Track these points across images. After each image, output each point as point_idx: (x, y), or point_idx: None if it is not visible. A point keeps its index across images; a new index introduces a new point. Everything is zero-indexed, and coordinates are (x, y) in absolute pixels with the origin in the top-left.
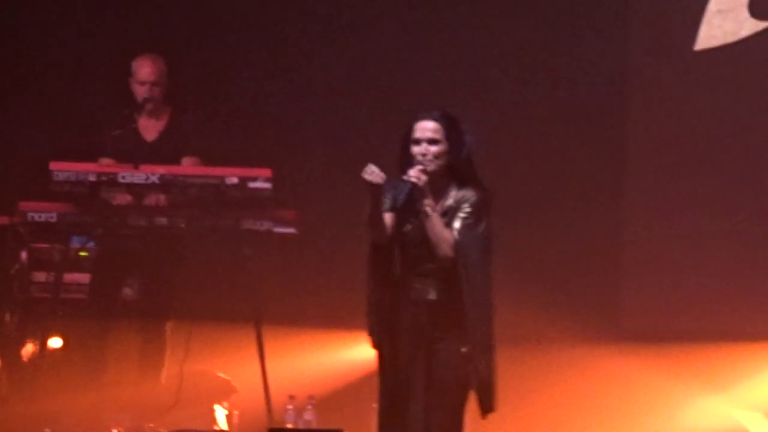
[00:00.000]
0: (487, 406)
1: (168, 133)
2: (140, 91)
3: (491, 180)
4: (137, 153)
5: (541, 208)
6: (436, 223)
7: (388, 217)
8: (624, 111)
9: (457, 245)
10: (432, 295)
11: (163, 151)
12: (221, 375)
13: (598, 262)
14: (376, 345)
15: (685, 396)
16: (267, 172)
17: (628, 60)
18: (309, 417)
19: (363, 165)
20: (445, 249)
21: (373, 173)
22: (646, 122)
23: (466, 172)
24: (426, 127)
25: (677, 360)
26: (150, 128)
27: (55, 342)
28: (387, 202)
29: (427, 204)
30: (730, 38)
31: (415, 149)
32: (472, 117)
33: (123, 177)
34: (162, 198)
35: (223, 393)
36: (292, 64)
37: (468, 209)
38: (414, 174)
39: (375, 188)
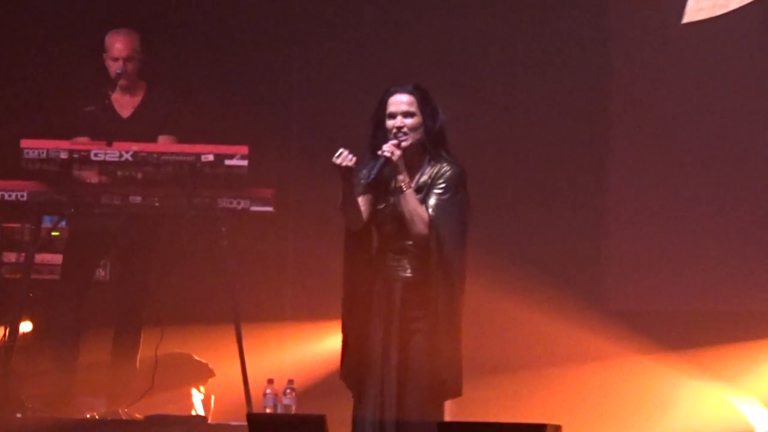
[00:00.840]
0: (453, 389)
1: (143, 109)
2: (114, 67)
3: (472, 164)
4: (112, 130)
5: (524, 191)
6: (410, 199)
7: (362, 201)
8: (607, 89)
9: (432, 222)
10: (407, 273)
11: (139, 127)
12: (198, 358)
13: (582, 242)
14: (348, 326)
15: (674, 378)
16: (243, 149)
17: (612, 34)
18: (288, 401)
19: (341, 143)
20: (420, 226)
21: (343, 156)
22: (630, 100)
23: (440, 147)
24: (400, 101)
25: (663, 341)
26: (125, 104)
27: (26, 325)
28: (362, 182)
29: (402, 180)
30: (719, 11)
31: (390, 123)
32: (451, 89)
33: (96, 155)
34: (137, 176)
35: (200, 377)
36: (270, 40)
37: (443, 185)
38: (388, 148)
39: (346, 172)
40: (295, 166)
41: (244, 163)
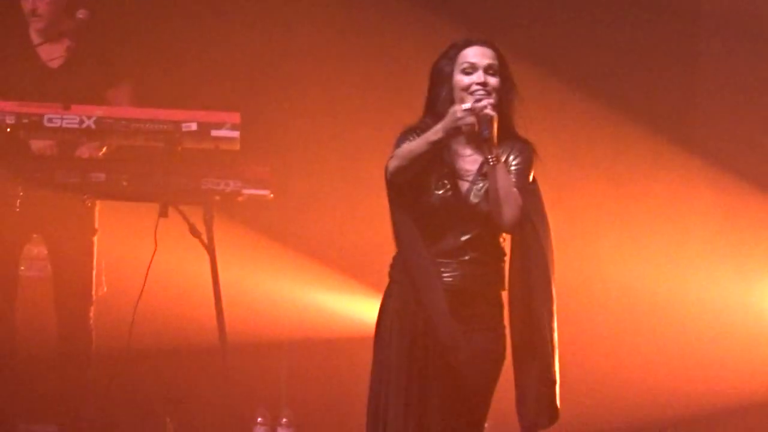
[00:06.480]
0: (547, 418)
1: (77, 54)
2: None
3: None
4: (41, 87)
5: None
6: (502, 174)
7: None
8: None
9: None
10: (451, 279)
11: (77, 80)
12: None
13: None
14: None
15: None
16: (234, 117)
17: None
18: None
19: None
20: (514, 208)
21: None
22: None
23: (510, 124)
24: (484, 53)
25: None
26: (51, 51)
27: None
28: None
29: (493, 151)
30: None
31: (466, 80)
32: None
33: (50, 120)
34: (101, 147)
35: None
36: None
37: (520, 161)
38: (488, 106)
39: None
40: (297, 137)
41: (236, 134)
